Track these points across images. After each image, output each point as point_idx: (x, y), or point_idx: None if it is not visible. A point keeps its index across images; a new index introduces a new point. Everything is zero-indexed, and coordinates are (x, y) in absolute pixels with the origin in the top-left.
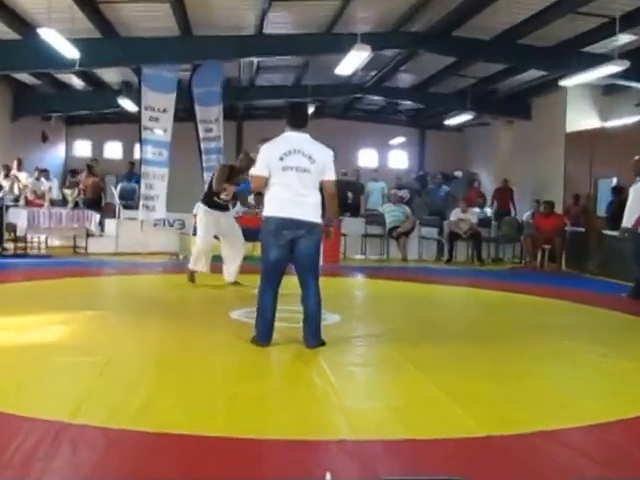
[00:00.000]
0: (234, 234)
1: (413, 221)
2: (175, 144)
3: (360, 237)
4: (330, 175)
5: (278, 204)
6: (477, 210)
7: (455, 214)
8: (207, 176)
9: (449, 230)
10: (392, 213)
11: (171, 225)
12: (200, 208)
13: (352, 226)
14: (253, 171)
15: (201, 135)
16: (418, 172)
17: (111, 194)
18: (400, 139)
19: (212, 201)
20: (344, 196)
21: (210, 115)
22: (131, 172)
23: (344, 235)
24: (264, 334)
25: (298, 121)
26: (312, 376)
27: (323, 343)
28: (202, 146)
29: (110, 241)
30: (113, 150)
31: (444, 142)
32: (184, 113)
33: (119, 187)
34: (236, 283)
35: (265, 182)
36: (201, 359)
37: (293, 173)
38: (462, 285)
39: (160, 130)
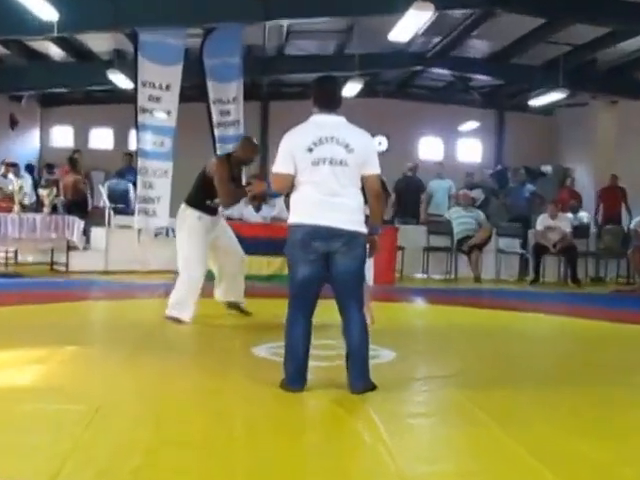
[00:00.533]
0: (233, 241)
1: (489, 230)
2: (181, 131)
3: (421, 250)
4: (373, 167)
5: (306, 208)
6: (570, 216)
7: (542, 221)
8: None
9: (535, 242)
10: (462, 220)
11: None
12: (190, 214)
13: (411, 237)
14: (274, 168)
15: (215, 119)
16: (495, 167)
17: (99, 195)
18: (472, 124)
19: (204, 204)
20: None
21: (227, 93)
22: (129, 167)
23: (400, 249)
24: (295, 377)
25: (329, 100)
26: (359, 431)
27: (372, 387)
28: (216, 133)
29: (98, 256)
30: (102, 139)
31: (528, 128)
32: (193, 91)
33: (106, 186)
34: (239, 309)
35: (290, 182)
36: (214, 408)
37: (326, 168)
38: (552, 313)
39: (162, 113)
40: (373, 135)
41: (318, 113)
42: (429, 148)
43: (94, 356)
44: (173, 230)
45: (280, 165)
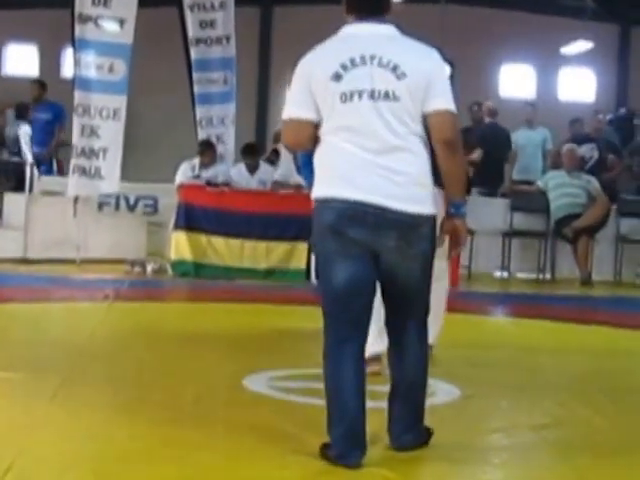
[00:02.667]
0: None
1: (605, 206)
2: (140, 51)
3: (500, 236)
4: (442, 100)
5: (340, 171)
6: None
7: None
8: (203, 112)
9: None
10: (564, 190)
11: (131, 208)
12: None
13: (485, 215)
14: (285, 113)
15: (192, 33)
16: (617, 110)
17: (14, 142)
18: (582, 45)
19: None
20: None
21: None
22: (39, 100)
23: (470, 233)
24: (346, 444)
25: (370, 1)
26: None
27: (426, 440)
28: (193, 55)
29: (14, 237)
30: (22, 60)
31: None
32: None
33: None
34: None
35: (310, 132)
36: (170, 472)
37: (365, 104)
38: None
39: (112, 23)
40: None
41: (353, 21)
42: (514, 80)
43: (6, 389)
44: (126, 199)
45: (293, 106)
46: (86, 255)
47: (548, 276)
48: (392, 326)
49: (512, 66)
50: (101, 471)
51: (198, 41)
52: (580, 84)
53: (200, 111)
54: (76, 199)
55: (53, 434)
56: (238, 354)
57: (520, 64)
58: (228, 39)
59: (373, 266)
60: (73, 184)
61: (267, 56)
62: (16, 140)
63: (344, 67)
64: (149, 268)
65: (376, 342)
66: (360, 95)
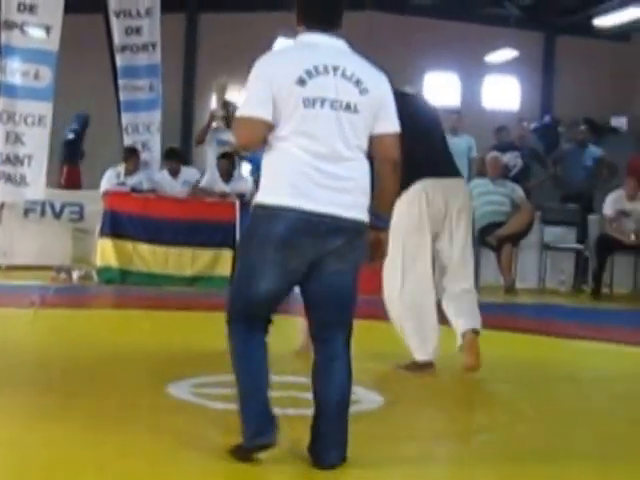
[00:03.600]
0: None
1: (529, 214)
2: (66, 57)
3: None
4: (394, 123)
5: (292, 180)
6: None
7: (614, 202)
8: (128, 119)
9: (601, 233)
10: (487, 198)
11: (57, 214)
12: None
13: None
14: (240, 110)
15: (118, 40)
16: (541, 118)
17: None
18: (507, 54)
19: None
20: None
21: (137, 2)
22: None
23: None
24: (263, 424)
25: (325, 11)
26: None
27: (345, 458)
28: (119, 61)
29: None
30: None
31: (592, 61)
32: None
33: None
34: None
35: (264, 133)
36: (96, 478)
37: (326, 112)
38: (625, 342)
39: (38, 29)
40: None
41: (309, 31)
42: (439, 88)
43: None
44: (52, 206)
45: (251, 105)
46: (12, 261)
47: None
48: (321, 340)
49: (436, 74)
50: (22, 478)
51: (124, 48)
52: (505, 92)
53: (126, 118)
54: (1, 205)
55: None
56: (162, 361)
57: (444, 72)
58: (154, 46)
59: (301, 277)
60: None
61: (193, 63)
62: None
63: (308, 73)
64: (75, 275)
65: (422, 349)
66: (322, 103)
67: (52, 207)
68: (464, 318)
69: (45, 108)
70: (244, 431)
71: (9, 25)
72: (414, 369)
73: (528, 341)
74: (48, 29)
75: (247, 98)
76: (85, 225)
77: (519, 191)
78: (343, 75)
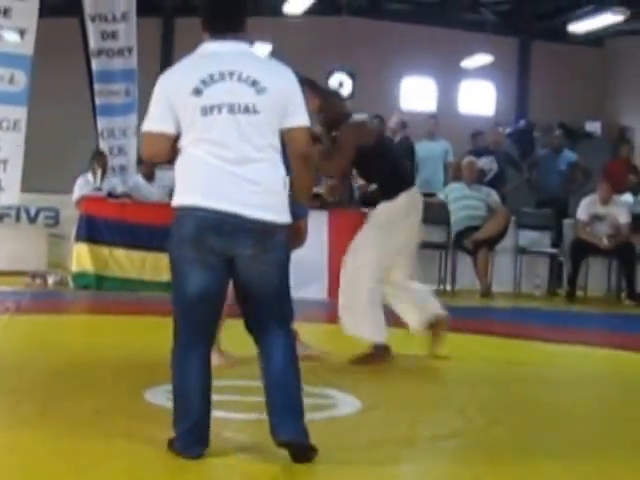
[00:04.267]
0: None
1: (504, 218)
2: (40, 62)
3: None
4: (299, 117)
5: (197, 182)
6: (629, 200)
7: (588, 207)
8: (104, 123)
9: (575, 237)
10: (464, 202)
11: (32, 219)
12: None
13: None
14: (144, 125)
15: (93, 44)
16: (516, 123)
17: None
18: (482, 59)
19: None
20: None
21: (112, 6)
22: None
23: None
24: (190, 439)
25: (225, 19)
26: None
27: (313, 450)
28: (94, 66)
29: None
30: None
31: (567, 66)
32: (61, 1)
33: None
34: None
35: (168, 145)
36: None
37: (224, 118)
38: (597, 344)
39: (12, 33)
40: (331, 72)
41: (210, 39)
42: (415, 93)
43: None
44: (27, 211)
45: (152, 120)
46: None
47: (449, 287)
48: (254, 331)
49: (413, 79)
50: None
51: (99, 52)
52: (480, 97)
53: (101, 122)
54: None
55: None
56: (139, 366)
57: (421, 77)
58: (130, 50)
59: (226, 275)
60: None
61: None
62: None
63: (204, 82)
64: (50, 280)
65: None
66: (220, 109)
67: (27, 212)
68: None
69: (20, 112)
70: (175, 440)
71: None
72: (371, 359)
73: (504, 344)
74: (22, 33)
75: (148, 113)
76: (60, 230)
77: (494, 196)
78: (239, 79)
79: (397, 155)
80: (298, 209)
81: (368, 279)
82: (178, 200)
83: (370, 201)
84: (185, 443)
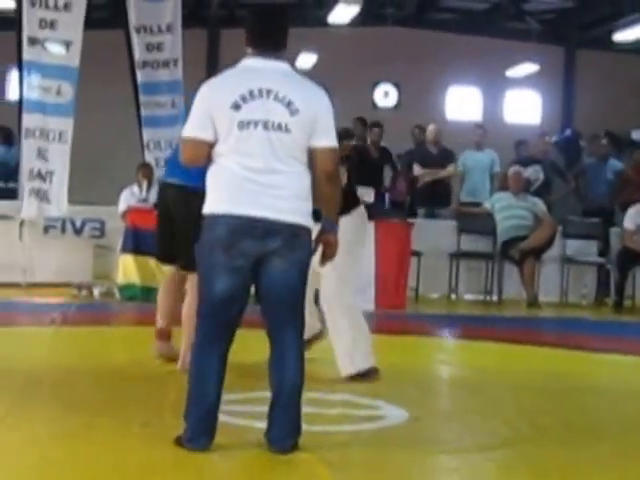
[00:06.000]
0: None
1: (551, 228)
2: (87, 72)
3: (447, 258)
4: (327, 138)
5: (230, 191)
6: None
7: (634, 215)
8: (150, 135)
9: (622, 246)
10: (510, 212)
11: (78, 231)
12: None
13: (432, 236)
14: (183, 132)
15: (138, 56)
16: (562, 132)
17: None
18: (528, 68)
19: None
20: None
21: (158, 17)
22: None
23: (416, 254)
24: (199, 428)
25: (268, 37)
26: None
27: (297, 445)
28: (139, 78)
29: None
30: None
31: (613, 74)
32: (106, 12)
33: None
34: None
35: (206, 151)
36: None
37: (259, 133)
38: None
39: (59, 45)
40: (377, 82)
41: (252, 55)
42: (461, 103)
43: None
44: (73, 222)
45: (192, 127)
46: (32, 279)
47: (495, 298)
48: (272, 333)
49: (458, 88)
50: None
51: (145, 64)
52: (526, 106)
53: (147, 134)
54: (22, 222)
55: (2, 461)
56: (186, 379)
57: (466, 86)
58: (175, 62)
59: (251, 277)
60: (27, 207)
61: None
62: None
63: (243, 98)
64: (96, 292)
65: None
66: (255, 125)
67: (73, 223)
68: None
69: (66, 124)
70: (183, 431)
71: (30, 41)
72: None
73: (551, 354)
74: (68, 45)
75: (190, 120)
76: (106, 242)
77: (541, 205)
78: (275, 98)
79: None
80: (326, 223)
81: (354, 307)
82: (209, 208)
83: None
84: (192, 433)
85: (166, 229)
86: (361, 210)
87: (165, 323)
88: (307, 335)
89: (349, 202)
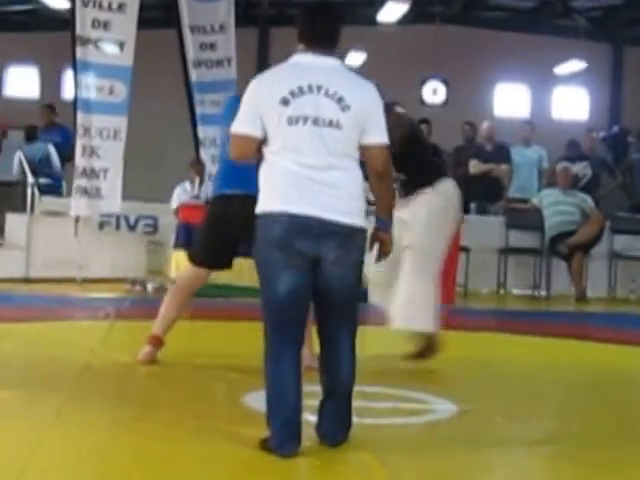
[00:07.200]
0: None
1: (599, 223)
2: (140, 71)
3: (496, 253)
4: (378, 135)
5: (285, 188)
6: None
7: None
8: (205, 132)
9: None
10: (558, 208)
11: (132, 227)
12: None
13: (480, 232)
14: (232, 127)
15: (192, 55)
16: (610, 128)
17: (19, 165)
18: (575, 65)
19: None
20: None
21: (210, 17)
22: (50, 125)
23: (465, 250)
24: (285, 436)
25: (320, 34)
26: None
27: (347, 438)
28: (193, 76)
29: (16, 256)
30: (22, 82)
31: None
32: (158, 12)
33: (17, 156)
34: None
35: (254, 148)
36: None
37: (308, 129)
38: None
39: (112, 45)
40: (426, 79)
41: (303, 51)
42: (509, 100)
43: (10, 405)
44: (127, 219)
45: (241, 123)
46: (87, 274)
47: (543, 293)
48: (326, 333)
49: (506, 85)
50: None
51: (199, 63)
52: (574, 103)
53: (203, 132)
54: (77, 219)
55: (58, 450)
56: (237, 371)
57: (514, 83)
58: (229, 61)
59: (311, 276)
60: (75, 204)
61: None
62: (40, 160)
63: (292, 94)
64: (149, 287)
65: None
66: (305, 120)
67: (127, 220)
68: None
69: (120, 122)
70: (269, 438)
71: (84, 41)
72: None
73: (600, 349)
74: (122, 44)
75: (239, 116)
76: (159, 237)
77: (589, 201)
78: (326, 94)
79: (426, 147)
80: (379, 223)
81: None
82: (263, 207)
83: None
84: (279, 440)
85: (217, 240)
86: (447, 183)
87: (162, 332)
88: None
89: (430, 175)
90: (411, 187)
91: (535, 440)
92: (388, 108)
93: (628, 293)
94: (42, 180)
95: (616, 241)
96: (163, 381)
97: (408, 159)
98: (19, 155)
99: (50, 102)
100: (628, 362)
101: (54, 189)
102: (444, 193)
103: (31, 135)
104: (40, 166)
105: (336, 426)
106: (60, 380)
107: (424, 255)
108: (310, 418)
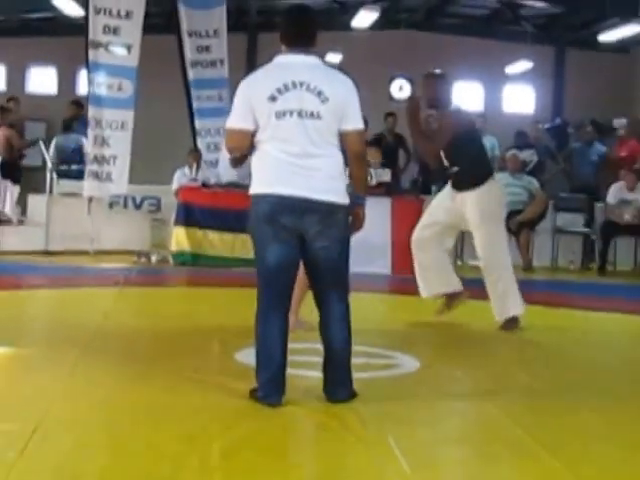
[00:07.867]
0: None
1: (543, 203)
2: (144, 71)
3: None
4: (354, 122)
5: (271, 173)
6: None
7: (616, 192)
8: (201, 124)
9: (605, 219)
10: (508, 190)
11: (138, 206)
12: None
13: None
14: (227, 123)
15: (189, 57)
16: (553, 120)
17: (39, 153)
18: (523, 65)
19: None
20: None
21: (206, 23)
22: (78, 117)
23: None
24: (271, 388)
25: (299, 35)
26: (373, 463)
27: (354, 394)
28: (190, 75)
29: (36, 232)
30: (42, 80)
31: (597, 70)
32: (161, 19)
33: (53, 144)
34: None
35: (248, 140)
36: (183, 430)
37: (294, 121)
38: (626, 311)
39: (121, 48)
40: (393, 78)
41: (286, 52)
42: (466, 96)
43: (31, 361)
44: (133, 199)
45: (235, 119)
46: (99, 247)
47: None
48: (318, 298)
49: (463, 83)
50: (115, 433)
51: (195, 63)
52: (521, 98)
53: (199, 123)
54: (90, 199)
55: (74, 400)
56: (231, 331)
57: (470, 81)
58: (222, 62)
59: (298, 248)
60: (88, 186)
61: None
62: (73, 151)
63: (279, 91)
64: (153, 258)
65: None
66: (291, 114)
67: (133, 200)
68: None
69: (127, 115)
70: (257, 389)
71: (96, 45)
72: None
73: (544, 312)
74: (129, 47)
75: (232, 112)
76: (162, 215)
77: (535, 183)
78: (307, 89)
79: (482, 144)
80: (356, 198)
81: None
82: (254, 189)
83: (454, 182)
84: (265, 392)
85: None
86: (492, 182)
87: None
88: (447, 289)
89: (479, 176)
90: (463, 179)
91: (488, 390)
92: (450, 107)
93: (568, 263)
94: (73, 167)
95: (558, 218)
96: (165, 340)
97: (464, 153)
98: (42, 146)
99: (77, 99)
100: (567, 323)
101: (83, 175)
102: (491, 189)
103: (68, 126)
104: (73, 155)
105: (335, 385)
106: (74, 340)
107: (493, 247)
108: (294, 372)
